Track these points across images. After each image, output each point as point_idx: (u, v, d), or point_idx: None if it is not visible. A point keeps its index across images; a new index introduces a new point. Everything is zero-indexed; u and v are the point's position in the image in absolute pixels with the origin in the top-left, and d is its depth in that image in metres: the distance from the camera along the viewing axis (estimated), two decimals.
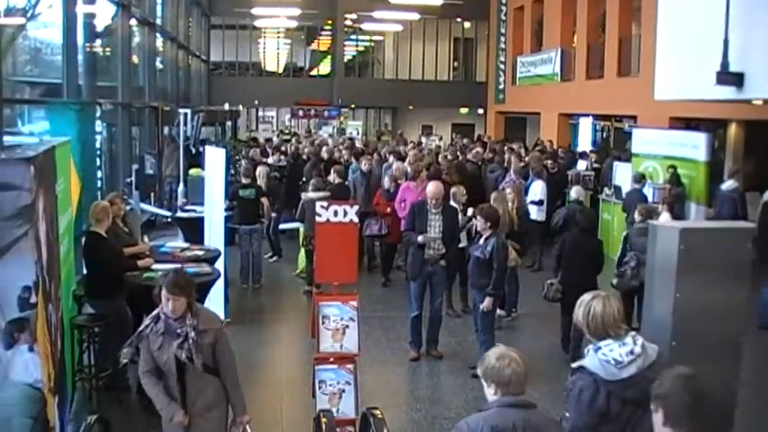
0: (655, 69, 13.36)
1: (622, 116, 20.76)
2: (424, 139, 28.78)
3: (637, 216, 9.07)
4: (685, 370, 3.17)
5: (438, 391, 7.62)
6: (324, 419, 4.61)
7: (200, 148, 15.78)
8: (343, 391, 5.21)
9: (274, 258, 12.87)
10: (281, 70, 33.48)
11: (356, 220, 5.22)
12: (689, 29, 12.23)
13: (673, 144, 14.81)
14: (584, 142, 26.07)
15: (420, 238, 8.05)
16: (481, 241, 7.56)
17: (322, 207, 5.13)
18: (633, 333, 3.77)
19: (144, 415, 6.66)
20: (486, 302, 7.38)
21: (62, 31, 10.94)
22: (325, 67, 33.91)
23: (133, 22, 15.65)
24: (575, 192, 11.20)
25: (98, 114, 11.64)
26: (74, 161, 9.27)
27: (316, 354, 5.23)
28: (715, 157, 17.10)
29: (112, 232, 6.94)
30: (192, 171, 12.74)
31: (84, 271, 7.05)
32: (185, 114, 13.74)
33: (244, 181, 11.00)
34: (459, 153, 20.72)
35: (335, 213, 5.09)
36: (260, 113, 34.46)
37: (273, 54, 33.99)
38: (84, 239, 6.94)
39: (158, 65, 19.14)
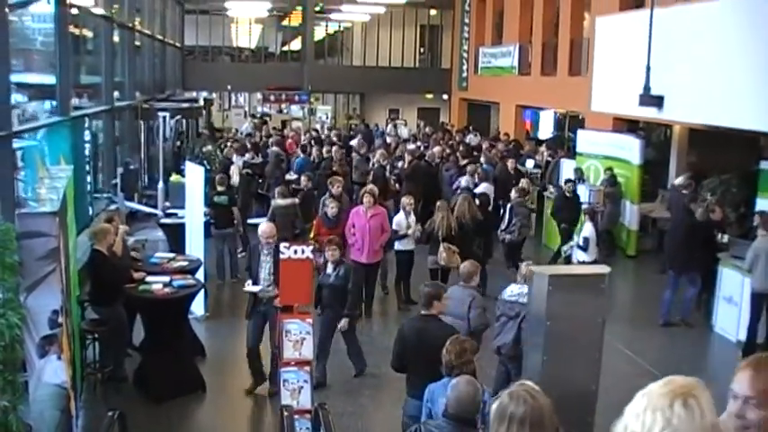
0: (591, 86, 14.80)
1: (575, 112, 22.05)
2: (390, 127, 29.96)
3: (514, 193, 12.92)
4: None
5: (386, 377, 9.08)
6: (285, 413, 6.06)
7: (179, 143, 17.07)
8: (302, 387, 6.65)
9: (243, 254, 13.82)
10: (252, 55, 34.30)
11: (311, 256, 6.65)
12: (619, 53, 13.69)
13: (611, 145, 16.25)
14: (545, 131, 27.68)
15: (246, 288, 8.25)
16: (330, 270, 8.40)
17: (285, 247, 6.55)
18: (524, 287, 6.95)
19: (139, 401, 8.10)
20: (343, 323, 8.46)
21: (56, 43, 11.99)
22: (295, 45, 34.77)
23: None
24: (464, 181, 14.19)
25: (86, 125, 12.77)
26: (65, 164, 10.54)
27: (280, 360, 6.67)
28: (661, 154, 18.54)
29: (111, 251, 8.24)
30: (173, 178, 13.93)
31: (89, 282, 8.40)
32: (164, 118, 14.88)
33: (219, 188, 12.19)
34: (421, 144, 22.09)
35: (295, 252, 6.52)
36: (232, 98, 35.43)
37: (245, 39, 34.82)
38: (88, 257, 8.25)
39: (135, 50, 20.06)
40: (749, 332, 9.99)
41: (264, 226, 8.42)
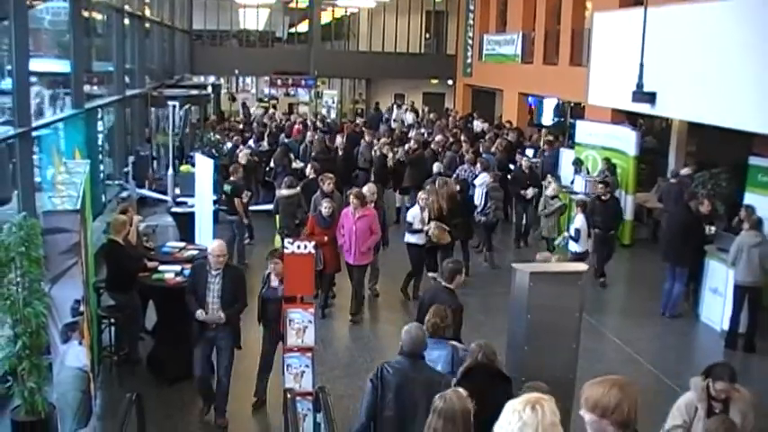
0: (588, 80, 15.20)
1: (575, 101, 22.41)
2: (395, 111, 30.37)
3: (489, 178, 14.08)
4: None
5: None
6: (289, 395, 6.63)
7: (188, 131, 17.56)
8: (304, 372, 7.20)
9: (248, 241, 14.05)
10: (260, 39, 34.62)
11: (313, 251, 7.19)
12: (615, 48, 14.11)
13: (609, 136, 16.69)
14: (549, 117, 28.15)
15: (198, 314, 7.46)
16: (276, 283, 7.82)
17: (289, 243, 7.08)
18: None
19: (152, 382, 8.65)
20: None
21: (70, 38, 12.45)
22: (302, 27, 35.11)
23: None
24: (436, 167, 14.97)
25: (99, 116, 13.27)
26: (80, 155, 11.07)
27: (284, 346, 7.21)
28: (661, 143, 18.88)
29: (127, 241, 8.79)
30: (183, 168, 14.43)
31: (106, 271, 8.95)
32: (174, 107, 15.35)
33: (231, 177, 12.72)
34: (425, 131, 22.54)
35: (298, 247, 7.06)
36: (239, 82, 35.86)
37: (253, 23, 35.13)
38: (105, 247, 8.79)
39: (145, 37, 20.50)
40: (731, 323, 10.49)
41: (215, 243, 7.64)
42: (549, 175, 15.66)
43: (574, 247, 11.88)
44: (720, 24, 11.70)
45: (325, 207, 10.78)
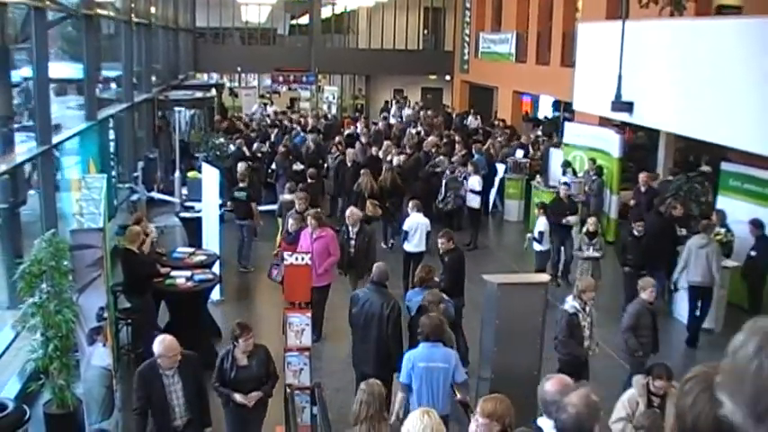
0: (573, 88, 15.99)
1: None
2: (394, 108, 31.04)
3: (448, 172, 15.98)
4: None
5: None
6: (289, 390, 7.53)
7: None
8: (302, 369, 8.08)
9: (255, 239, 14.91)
10: (262, 37, 35.28)
11: (309, 262, 8.07)
12: (597, 58, 14.88)
13: (595, 137, 17.48)
14: (544, 112, 28.92)
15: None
16: (245, 361, 6.87)
17: (288, 255, 7.97)
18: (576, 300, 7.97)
19: None
20: (254, 394, 6.87)
21: (84, 54, 13.23)
22: (303, 20, 35.72)
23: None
24: (395, 160, 16.58)
25: (111, 125, 14.09)
26: (95, 164, 11.92)
27: (285, 346, 8.09)
28: (650, 139, 19.61)
29: (140, 248, 9.65)
30: (190, 174, 15.21)
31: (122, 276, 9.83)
32: (180, 112, 16.14)
33: (240, 184, 13.54)
34: (421, 130, 23.23)
35: (296, 259, 7.94)
36: (242, 79, 36.59)
37: (255, 20, 35.72)
38: (120, 254, 9.67)
39: (151, 41, 21.21)
40: (688, 319, 11.50)
41: (165, 342, 6.37)
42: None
43: (538, 247, 12.86)
44: (695, 40, 12.42)
45: (290, 223, 11.05)
